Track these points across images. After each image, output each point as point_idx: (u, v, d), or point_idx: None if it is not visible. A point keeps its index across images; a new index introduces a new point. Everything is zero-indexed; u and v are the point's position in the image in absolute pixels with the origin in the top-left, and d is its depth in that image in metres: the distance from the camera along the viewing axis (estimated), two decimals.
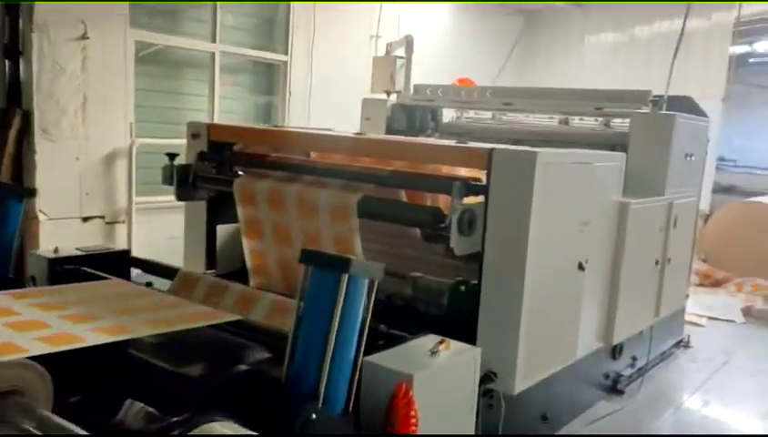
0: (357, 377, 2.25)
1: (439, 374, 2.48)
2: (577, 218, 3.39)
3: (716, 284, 8.13)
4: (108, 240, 5.18)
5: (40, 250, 3.58)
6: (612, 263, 3.87)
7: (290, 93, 6.59)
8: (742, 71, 12.57)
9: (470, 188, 3.16)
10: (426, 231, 3.61)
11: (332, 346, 2.14)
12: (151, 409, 1.75)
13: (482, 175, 3.20)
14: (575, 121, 5.66)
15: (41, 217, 4.70)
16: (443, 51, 8.20)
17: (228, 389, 2.10)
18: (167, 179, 4.13)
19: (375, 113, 5.69)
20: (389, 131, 5.64)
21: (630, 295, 4.02)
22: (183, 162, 4.14)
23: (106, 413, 1.96)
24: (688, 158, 4.62)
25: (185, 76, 5.96)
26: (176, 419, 1.79)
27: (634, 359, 4.88)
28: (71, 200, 4.98)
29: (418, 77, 6.22)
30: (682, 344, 5.85)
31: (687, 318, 6.23)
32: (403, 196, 3.52)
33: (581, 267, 3.44)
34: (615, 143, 4.67)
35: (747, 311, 7.05)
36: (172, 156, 4.16)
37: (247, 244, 3.90)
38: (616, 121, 5.24)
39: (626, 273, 3.92)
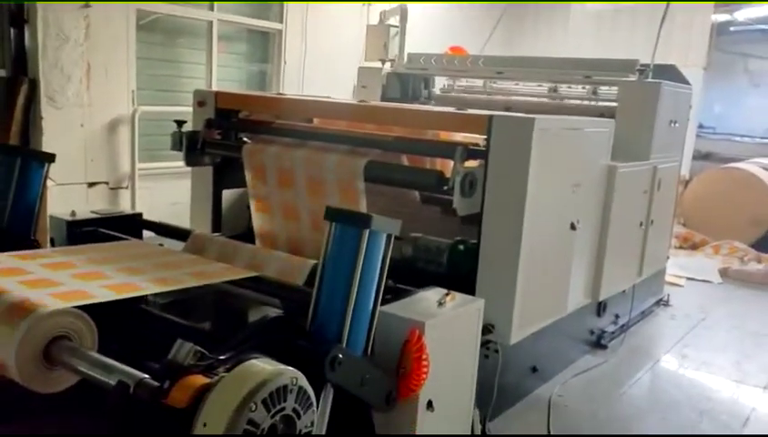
0: (374, 324, 2.47)
1: (447, 323, 2.71)
2: (569, 180, 3.62)
3: (694, 247, 8.47)
4: (112, 206, 5.33)
5: (58, 213, 3.73)
6: (601, 224, 4.12)
7: (285, 61, 6.71)
8: (722, 39, 12.82)
9: (471, 152, 3.37)
10: (424, 194, 3.84)
11: (354, 296, 2.35)
12: (199, 348, 1.95)
13: (479, 141, 3.40)
14: (563, 88, 5.87)
15: (48, 182, 4.82)
16: (433, 19, 8.32)
17: (260, 333, 2.31)
18: (176, 145, 4.28)
19: (371, 81, 5.85)
20: (384, 99, 5.81)
21: (616, 255, 4.28)
22: (189, 129, 4.29)
23: (148, 359, 2.16)
24: (672, 125, 4.86)
25: (183, 44, 6.05)
26: (222, 357, 2.00)
27: (617, 316, 5.17)
28: (77, 166, 5.11)
29: (409, 46, 6.37)
30: (662, 303, 6.16)
31: (667, 278, 6.54)
32: (405, 161, 3.72)
33: (572, 227, 3.68)
34: (604, 111, 4.89)
35: (724, 272, 7.39)
36: (180, 123, 4.31)
37: (255, 206, 4.08)
38: (603, 88, 5.47)
39: (613, 234, 4.18)
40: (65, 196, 4.97)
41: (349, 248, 2.36)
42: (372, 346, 2.56)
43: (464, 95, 6.23)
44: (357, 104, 3.99)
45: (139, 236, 4.07)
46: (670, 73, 5.43)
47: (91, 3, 4.96)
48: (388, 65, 5.97)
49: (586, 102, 5.52)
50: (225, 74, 6.37)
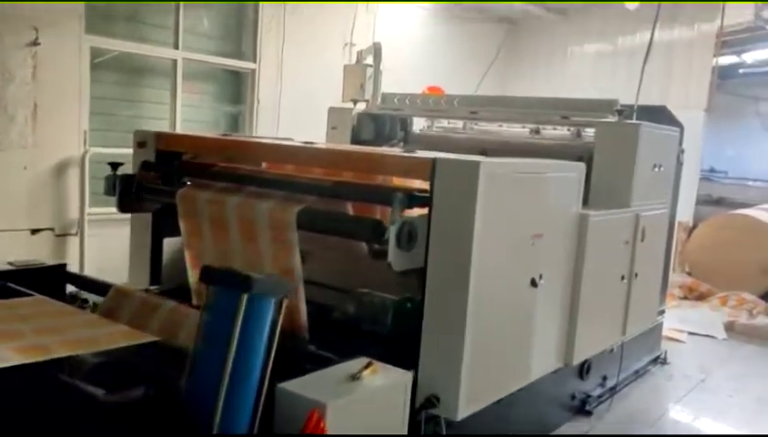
0: (261, 402, 2.07)
1: (360, 401, 2.30)
2: (528, 231, 3.21)
3: (700, 297, 7.94)
4: (59, 254, 4.99)
5: None
6: (572, 279, 3.68)
7: (258, 101, 6.41)
8: (732, 82, 12.44)
9: (414, 199, 2.99)
10: (373, 246, 3.45)
11: (230, 369, 1.95)
12: None
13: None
14: (548, 130, 5.50)
15: None
16: (423, 60, 8.04)
17: (127, 409, 1.92)
18: (110, 190, 3.96)
19: (340, 122, 5.52)
20: (356, 141, 5.47)
21: (592, 312, 3.83)
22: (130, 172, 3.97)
23: None
24: (656, 169, 4.44)
25: (146, 83, 5.78)
26: None
27: (605, 378, 4.69)
28: (18, 212, 4.80)
29: (394, 87, 6.06)
30: (659, 361, 5.66)
31: (666, 333, 6.05)
32: (350, 209, 3.35)
33: (533, 283, 3.25)
34: (583, 154, 4.50)
35: (730, 326, 6.86)
36: (115, 165, 3.99)
37: (189, 259, 3.73)
38: (589, 131, 5.08)
39: (587, 289, 3.73)
40: (4, 244, 4.65)
41: (228, 313, 1.98)
42: (272, 427, 2.16)
43: (443, 135, 5.87)
44: (295, 145, 3.64)
45: (62, 290, 3.74)
46: (659, 114, 5.05)
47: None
48: (363, 105, 5.64)
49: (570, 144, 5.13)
50: (193, 114, 6.08)
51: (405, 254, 2.86)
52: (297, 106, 6.59)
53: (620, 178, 4.11)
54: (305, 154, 3.49)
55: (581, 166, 3.70)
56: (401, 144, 5.51)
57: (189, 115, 5.98)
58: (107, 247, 4.93)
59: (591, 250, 3.71)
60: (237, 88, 6.52)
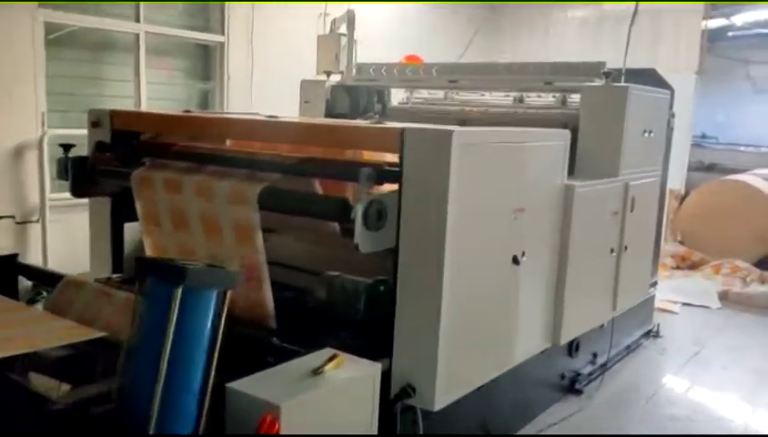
0: (206, 401, 1.84)
1: (321, 398, 2.07)
2: (509, 205, 2.98)
3: (693, 267, 7.75)
4: (20, 242, 4.73)
5: None
6: (558, 254, 3.46)
7: (229, 76, 6.11)
8: (721, 45, 12.16)
9: (384, 174, 2.75)
10: (344, 226, 3.21)
11: (167, 365, 1.72)
12: None
13: None
14: (532, 98, 5.25)
15: None
16: (402, 30, 7.73)
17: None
18: (62, 173, 3.70)
19: (314, 95, 5.25)
20: (330, 115, 5.20)
21: (580, 288, 3.62)
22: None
23: None
24: (646, 135, 4.21)
25: (108, 60, 5.46)
26: None
27: (595, 355, 4.50)
28: None
29: (373, 58, 5.78)
30: (652, 334, 5.47)
31: (659, 305, 5.86)
32: (317, 187, 3.11)
33: (515, 261, 3.03)
34: (568, 121, 4.25)
35: (724, 295, 6.69)
36: (66, 147, 3.73)
37: (146, 242, 3.49)
38: (574, 97, 4.83)
39: (574, 264, 3.52)
40: None
41: (161, 307, 1.74)
42: (223, 429, 1.94)
43: (422, 107, 5.61)
44: (254, 120, 3.38)
45: (14, 282, 3.50)
46: (648, 77, 4.79)
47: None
48: (337, 77, 5.36)
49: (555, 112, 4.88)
50: (161, 92, 5.77)
51: (373, 234, 2.63)
52: (269, 80, 6.30)
53: (607, 146, 3.87)
54: (266, 129, 3.23)
55: (566, 133, 3.46)
56: (377, 117, 5.24)
57: (157, 93, 5.68)
58: (72, 234, 4.66)
59: (578, 224, 3.49)
60: (206, 64, 6.22)
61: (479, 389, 3.04)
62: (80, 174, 3.64)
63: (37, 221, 4.86)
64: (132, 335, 1.78)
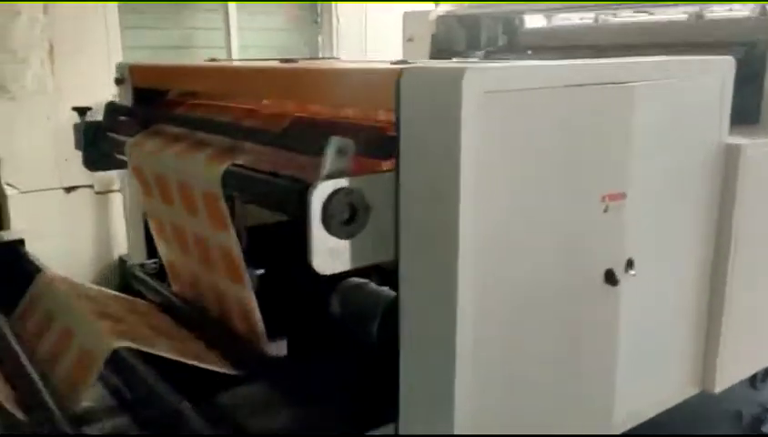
0: None
1: None
2: (594, 189, 1.79)
3: None
4: (101, 214, 4.39)
5: None
6: (709, 258, 2.18)
7: (338, 19, 5.24)
8: None
9: (372, 145, 1.74)
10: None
11: None
12: None
13: None
14: (716, 14, 3.75)
15: (9, 191, 3.99)
16: None
17: None
18: (79, 143, 3.16)
19: (418, 30, 4.21)
20: (438, 54, 4.14)
21: (751, 310, 2.30)
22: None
23: None
24: None
25: (191, 6, 4.86)
26: None
27: None
28: (45, 168, 4.22)
29: None
30: None
31: None
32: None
33: (610, 278, 1.85)
34: (754, 39, 2.82)
35: None
36: (82, 110, 3.17)
37: (152, 227, 2.83)
38: None
39: (740, 273, 2.21)
40: (34, 206, 4.11)
41: None
42: None
43: (557, 32, 4.32)
44: (236, 67, 2.49)
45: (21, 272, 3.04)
46: None
47: None
48: (446, 6, 4.26)
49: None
50: (257, 39, 5.09)
51: (343, 245, 1.65)
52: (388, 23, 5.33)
53: None
54: (227, 80, 2.35)
55: (724, 62, 2.10)
56: (489, 53, 4.06)
57: (251, 40, 5.00)
58: None
59: (749, 209, 2.17)
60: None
61: None
62: (93, 143, 3.06)
63: (120, 190, 4.47)
64: None
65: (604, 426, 1.98)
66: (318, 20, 5.29)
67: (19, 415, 1.77)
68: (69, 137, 4.24)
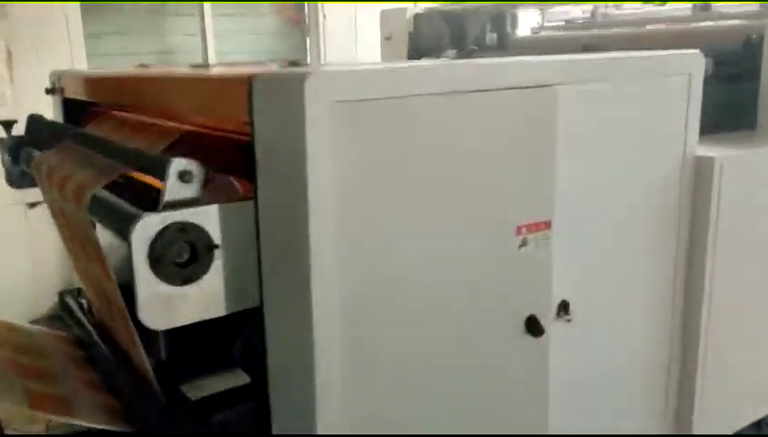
0: None
1: None
2: (506, 218, 1.44)
3: None
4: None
5: None
6: (674, 297, 1.79)
7: (324, 15, 4.94)
8: None
9: (229, 163, 1.42)
10: None
11: None
12: None
13: None
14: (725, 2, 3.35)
15: None
16: None
17: None
18: (3, 158, 2.92)
19: (396, 29, 3.88)
20: (416, 54, 3.81)
21: (731, 357, 1.90)
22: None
23: None
24: None
25: (170, 10, 4.61)
26: None
27: None
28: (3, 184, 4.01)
29: None
30: None
31: None
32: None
33: (533, 326, 1.49)
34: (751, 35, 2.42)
35: None
36: (6, 124, 2.93)
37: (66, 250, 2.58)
38: None
39: (719, 307, 1.82)
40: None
41: None
42: None
43: (558, 34, 3.95)
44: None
45: None
46: None
47: None
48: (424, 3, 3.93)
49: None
50: (239, 43, 4.82)
51: (179, 291, 1.33)
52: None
53: None
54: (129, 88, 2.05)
55: (691, 57, 1.72)
56: (473, 52, 3.70)
57: (232, 45, 4.73)
58: None
59: (726, 231, 1.78)
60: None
61: None
62: (16, 159, 2.82)
63: None
64: None
65: None
66: (306, 21, 5.00)
67: None
68: None
